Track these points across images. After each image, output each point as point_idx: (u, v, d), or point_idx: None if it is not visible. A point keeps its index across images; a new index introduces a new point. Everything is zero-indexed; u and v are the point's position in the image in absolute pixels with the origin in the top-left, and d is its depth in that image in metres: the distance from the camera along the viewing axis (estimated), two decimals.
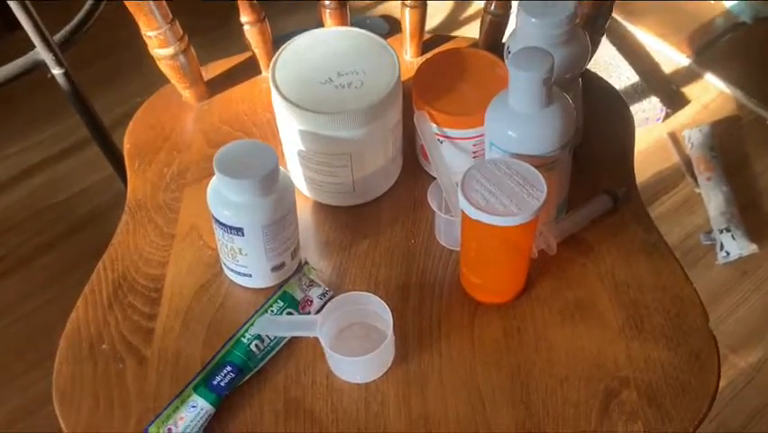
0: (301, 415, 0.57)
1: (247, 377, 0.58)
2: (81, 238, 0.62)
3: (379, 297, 0.58)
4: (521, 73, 0.56)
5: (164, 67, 0.75)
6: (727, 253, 1.29)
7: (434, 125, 0.66)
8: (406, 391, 0.58)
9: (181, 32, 0.73)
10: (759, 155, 1.46)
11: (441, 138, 0.67)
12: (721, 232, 1.31)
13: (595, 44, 0.72)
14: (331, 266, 0.66)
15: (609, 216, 0.68)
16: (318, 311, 0.62)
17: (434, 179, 0.70)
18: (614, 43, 1.60)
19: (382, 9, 1.66)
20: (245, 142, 0.59)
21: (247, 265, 0.62)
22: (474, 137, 0.66)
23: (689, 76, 1.61)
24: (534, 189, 0.55)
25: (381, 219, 0.69)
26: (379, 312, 0.58)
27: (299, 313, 0.62)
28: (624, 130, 0.77)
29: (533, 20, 0.61)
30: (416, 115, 0.67)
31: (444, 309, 0.62)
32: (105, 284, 0.65)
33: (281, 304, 0.62)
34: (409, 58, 0.82)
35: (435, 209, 0.65)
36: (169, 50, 0.73)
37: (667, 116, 1.51)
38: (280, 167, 0.59)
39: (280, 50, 0.67)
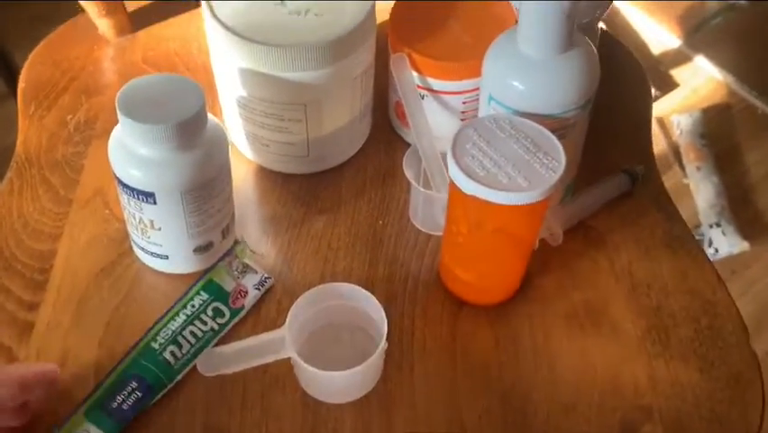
0: None
1: (159, 396, 0.43)
2: None
3: None
4: (537, 2, 0.42)
5: None
6: (716, 250, 1.19)
7: (415, 73, 0.52)
8: (366, 416, 0.44)
9: None
10: (751, 146, 1.36)
11: (422, 91, 0.53)
12: (711, 227, 1.20)
13: None
14: (275, 249, 0.52)
15: (624, 201, 0.55)
16: (254, 305, 0.47)
17: (410, 146, 0.56)
18: None
19: None
20: (161, 76, 0.44)
21: (161, 243, 0.47)
22: (465, 91, 0.52)
23: (678, 58, 1.49)
24: (549, 158, 0.42)
25: (342, 192, 0.55)
26: (364, 308, 0.44)
27: (229, 308, 0.47)
28: (639, 98, 0.64)
29: None
30: (393, 58, 0.52)
31: (419, 311, 0.49)
32: None
33: (205, 297, 0.47)
34: None
35: (413, 181, 0.50)
36: None
37: (655, 99, 1.39)
38: (210, 115, 0.45)
39: None
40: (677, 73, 1.47)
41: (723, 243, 1.19)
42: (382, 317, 0.43)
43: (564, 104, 0.45)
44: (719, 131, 1.36)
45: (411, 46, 0.52)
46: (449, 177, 0.43)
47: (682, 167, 1.30)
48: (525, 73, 0.45)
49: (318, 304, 0.45)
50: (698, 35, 1.52)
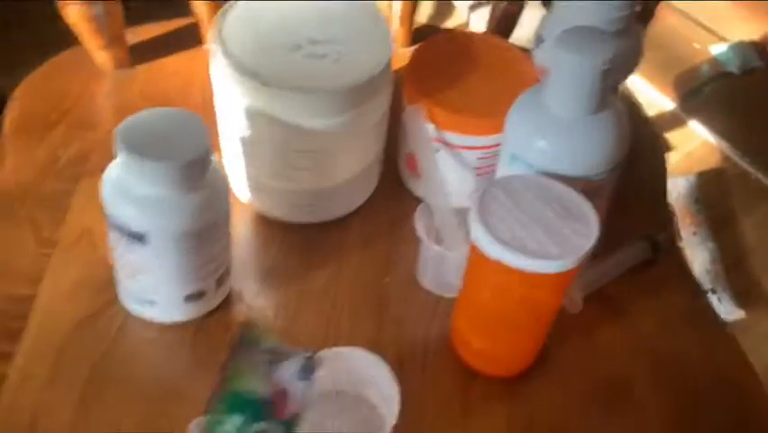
0: None
1: None
2: None
3: None
4: (573, 58, 0.40)
5: (72, 15, 0.56)
6: None
7: (431, 126, 0.49)
8: None
9: None
10: (744, 212, 1.35)
11: (437, 144, 0.50)
12: (707, 293, 1.18)
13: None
14: (275, 304, 0.48)
15: (643, 270, 0.52)
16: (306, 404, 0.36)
17: (419, 199, 0.53)
18: None
19: None
20: (163, 110, 0.40)
21: (150, 288, 0.43)
22: (482, 147, 0.50)
23: (672, 121, 1.50)
24: (580, 224, 0.39)
25: (347, 245, 0.52)
26: (371, 376, 0.40)
27: (275, 421, 0.35)
28: (654, 164, 0.62)
29: None
30: (409, 109, 0.49)
31: (429, 381, 0.45)
32: None
33: (237, 421, 0.34)
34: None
35: (424, 237, 0.47)
36: None
37: None
38: (213, 155, 0.41)
39: None
40: (671, 136, 1.47)
41: (719, 310, 1.17)
42: (394, 391, 0.39)
43: (594, 166, 0.43)
44: (714, 196, 1.36)
45: (429, 97, 0.49)
46: (472, 239, 0.39)
47: (678, 231, 1.29)
48: (554, 133, 0.42)
49: (322, 370, 0.41)
50: (691, 100, 1.53)
